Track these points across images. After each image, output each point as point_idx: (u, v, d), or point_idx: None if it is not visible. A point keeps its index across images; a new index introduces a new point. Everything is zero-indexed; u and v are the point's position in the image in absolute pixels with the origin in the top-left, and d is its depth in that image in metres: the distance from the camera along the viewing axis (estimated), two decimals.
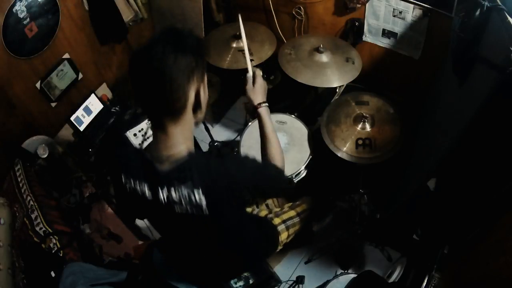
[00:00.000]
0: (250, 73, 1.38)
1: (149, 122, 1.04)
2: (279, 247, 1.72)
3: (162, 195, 1.00)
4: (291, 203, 1.97)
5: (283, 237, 1.71)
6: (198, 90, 0.99)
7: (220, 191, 0.99)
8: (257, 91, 1.35)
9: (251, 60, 2.12)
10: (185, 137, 1.01)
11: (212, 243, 1.21)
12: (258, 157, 1.23)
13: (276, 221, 1.72)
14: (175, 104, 0.95)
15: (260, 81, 1.37)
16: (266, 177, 1.14)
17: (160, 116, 0.98)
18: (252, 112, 1.40)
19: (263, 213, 1.83)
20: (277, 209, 1.90)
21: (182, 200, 0.98)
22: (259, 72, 1.38)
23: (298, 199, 2.01)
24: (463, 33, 1.23)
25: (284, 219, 1.76)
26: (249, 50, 2.13)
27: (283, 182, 1.23)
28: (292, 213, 1.81)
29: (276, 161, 1.25)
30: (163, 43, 0.92)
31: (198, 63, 0.96)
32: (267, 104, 1.33)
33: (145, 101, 0.98)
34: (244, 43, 1.46)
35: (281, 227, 1.72)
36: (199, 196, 0.97)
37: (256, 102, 1.34)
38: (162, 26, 2.70)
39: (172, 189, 0.98)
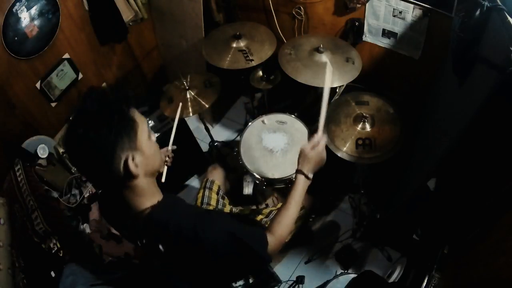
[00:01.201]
0: (319, 134, 1.26)
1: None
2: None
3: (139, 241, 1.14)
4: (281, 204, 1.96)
5: None
6: (126, 160, 0.96)
7: (182, 249, 1.06)
8: (310, 159, 1.26)
9: (251, 61, 2.12)
10: (142, 193, 1.03)
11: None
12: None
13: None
14: (117, 177, 0.97)
15: (319, 151, 1.25)
16: (237, 239, 1.07)
17: (113, 188, 1.03)
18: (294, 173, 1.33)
19: (259, 217, 1.83)
20: (274, 208, 1.90)
21: (154, 249, 1.10)
22: (324, 141, 1.26)
23: None
24: (463, 33, 1.23)
25: None
26: (249, 50, 2.15)
27: (258, 248, 1.10)
28: None
29: (278, 228, 1.19)
30: (78, 133, 0.92)
31: (120, 134, 0.94)
32: (310, 177, 1.26)
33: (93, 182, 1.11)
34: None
35: None
36: (162, 247, 1.08)
37: (300, 167, 1.27)
38: (162, 26, 2.71)
39: (144, 239, 1.12)
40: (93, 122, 0.92)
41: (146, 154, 1.00)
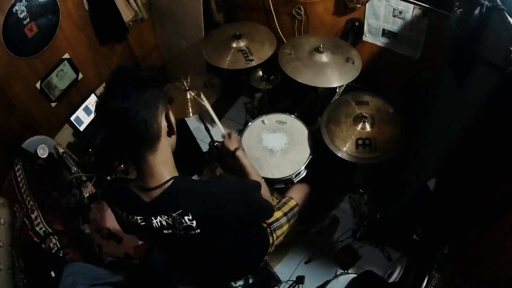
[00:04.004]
0: (224, 132, 1.67)
1: (130, 159, 1.11)
2: (270, 249, 1.72)
3: (156, 223, 1.09)
4: (278, 200, 1.96)
5: (270, 241, 1.70)
6: (167, 115, 1.06)
7: (208, 210, 1.07)
8: (232, 141, 1.60)
9: (251, 61, 2.13)
10: (165, 163, 1.07)
11: (207, 255, 1.29)
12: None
13: (264, 224, 1.72)
14: (150, 134, 1.00)
15: (232, 134, 1.63)
16: (248, 189, 1.22)
17: (139, 150, 1.03)
18: (231, 156, 1.62)
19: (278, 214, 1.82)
20: (275, 202, 1.90)
21: (176, 224, 1.07)
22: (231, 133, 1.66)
23: (287, 191, 1.98)
24: (461, 30, 1.22)
25: (270, 221, 1.74)
26: (249, 50, 2.15)
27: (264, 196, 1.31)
28: (278, 214, 1.79)
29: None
30: (122, 84, 0.98)
31: (159, 92, 1.03)
32: (242, 148, 1.59)
33: (120, 141, 1.03)
34: (211, 113, 1.84)
35: (268, 231, 1.71)
36: (189, 219, 1.06)
37: (232, 149, 1.57)
38: (162, 26, 2.71)
39: (165, 216, 1.07)
40: (140, 78, 0.99)
41: (173, 122, 1.09)
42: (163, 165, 1.06)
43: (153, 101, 1.00)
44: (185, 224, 1.07)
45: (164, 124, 1.05)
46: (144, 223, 1.11)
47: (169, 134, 1.08)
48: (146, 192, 1.06)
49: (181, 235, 1.09)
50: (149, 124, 0.99)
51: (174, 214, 1.05)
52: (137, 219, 1.11)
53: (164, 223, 1.08)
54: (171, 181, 1.05)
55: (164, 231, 1.10)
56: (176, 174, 1.09)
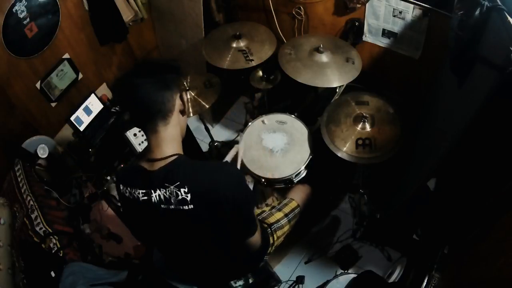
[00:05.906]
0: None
1: (143, 129, 1.19)
2: (270, 249, 1.71)
3: (155, 197, 1.14)
4: (278, 201, 1.95)
5: (270, 241, 1.70)
6: (180, 95, 1.18)
7: (204, 187, 1.12)
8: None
9: (251, 61, 2.12)
10: (174, 139, 1.18)
11: (204, 244, 1.29)
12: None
13: (264, 224, 1.71)
14: (165, 106, 1.12)
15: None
16: (246, 187, 1.25)
17: (154, 120, 1.13)
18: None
19: (256, 211, 1.82)
20: (276, 203, 1.90)
21: (171, 199, 1.12)
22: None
23: (288, 192, 1.97)
24: (462, 31, 1.22)
25: (271, 222, 1.74)
26: (249, 50, 2.15)
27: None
28: (279, 215, 1.79)
29: None
30: (142, 67, 1.16)
31: (175, 78, 1.18)
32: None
33: (139, 113, 1.15)
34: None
35: (268, 231, 1.70)
36: (185, 191, 1.11)
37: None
38: (162, 26, 2.71)
39: (163, 190, 1.13)
40: (158, 64, 1.16)
41: (184, 98, 1.21)
42: (171, 140, 1.16)
43: (168, 82, 1.13)
44: (180, 197, 1.11)
45: (178, 102, 1.17)
46: (144, 198, 1.16)
47: (182, 113, 1.20)
48: (151, 162, 1.15)
49: (173, 210, 1.13)
50: (166, 98, 1.12)
51: (171, 187, 1.11)
52: (139, 193, 1.16)
53: (162, 197, 1.13)
54: (175, 157, 1.14)
55: (162, 206, 1.14)
56: (180, 152, 1.19)
